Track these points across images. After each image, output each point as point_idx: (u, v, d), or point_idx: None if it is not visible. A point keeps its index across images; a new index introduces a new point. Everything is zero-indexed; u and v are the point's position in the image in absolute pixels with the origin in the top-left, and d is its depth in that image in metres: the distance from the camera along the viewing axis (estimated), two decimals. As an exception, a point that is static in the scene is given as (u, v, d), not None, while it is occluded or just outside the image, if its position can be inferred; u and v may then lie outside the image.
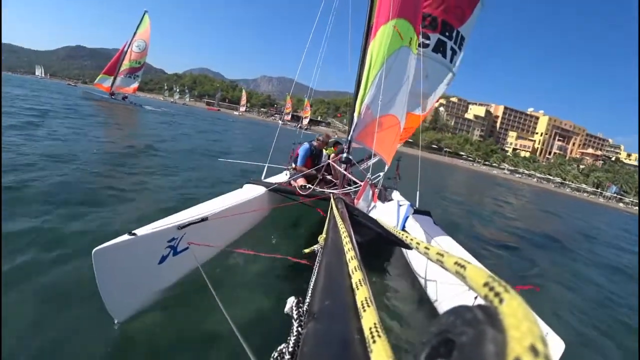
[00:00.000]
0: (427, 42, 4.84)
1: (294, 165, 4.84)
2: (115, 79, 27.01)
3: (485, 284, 0.38)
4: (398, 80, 4.13)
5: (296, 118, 74.96)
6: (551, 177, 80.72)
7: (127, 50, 27.03)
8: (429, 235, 3.25)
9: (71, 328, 1.95)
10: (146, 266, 2.03)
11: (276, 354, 0.77)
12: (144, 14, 27.95)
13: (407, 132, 5.76)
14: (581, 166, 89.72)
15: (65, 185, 4.32)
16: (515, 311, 0.29)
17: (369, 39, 4.10)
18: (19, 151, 5.56)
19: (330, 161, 4.93)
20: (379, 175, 4.18)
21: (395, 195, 4.93)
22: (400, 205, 3.68)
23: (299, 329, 0.78)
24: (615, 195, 70.36)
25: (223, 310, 1.67)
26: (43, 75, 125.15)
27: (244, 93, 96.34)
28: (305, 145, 4.86)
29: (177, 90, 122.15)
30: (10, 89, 22.55)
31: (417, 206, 4.16)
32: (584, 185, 75.92)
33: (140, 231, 1.96)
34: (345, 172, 4.41)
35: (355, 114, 4.21)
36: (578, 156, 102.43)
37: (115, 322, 1.90)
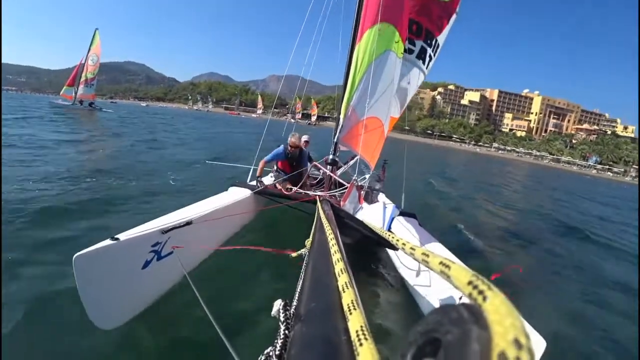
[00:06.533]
0: (413, 48, 4.86)
1: (275, 167, 4.75)
2: (77, 89, 30.97)
3: (469, 283, 0.39)
4: (383, 84, 4.21)
5: (306, 116, 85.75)
6: (532, 152, 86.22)
7: (84, 64, 30.82)
8: (414, 236, 3.28)
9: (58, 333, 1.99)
10: (129, 271, 2.01)
11: (263, 357, 0.77)
12: (95, 31, 31.15)
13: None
14: (573, 141, 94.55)
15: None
16: (498, 308, 0.30)
17: (355, 42, 4.14)
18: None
19: (316, 163, 4.87)
20: (365, 177, 4.17)
21: (381, 197, 4.84)
22: (386, 207, 3.58)
23: (286, 331, 0.79)
24: (592, 164, 78.45)
25: (209, 314, 1.66)
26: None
27: (259, 97, 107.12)
28: (280, 147, 4.62)
29: (199, 99, 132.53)
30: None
31: (402, 208, 4.16)
32: (562, 157, 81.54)
33: (123, 236, 1.94)
34: (331, 174, 4.42)
35: (342, 116, 4.26)
36: (573, 132, 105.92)
37: (94, 324, 1.82)
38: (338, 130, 4.39)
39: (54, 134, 11.38)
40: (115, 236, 1.89)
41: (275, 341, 0.78)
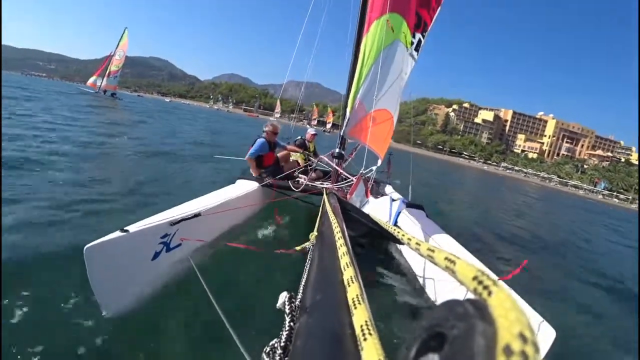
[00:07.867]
0: (413, 41, 4.72)
1: (247, 157, 4.45)
2: (103, 79, 35.33)
3: (474, 278, 0.39)
4: (391, 74, 4.14)
5: (322, 123, 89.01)
6: (540, 173, 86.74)
7: (112, 58, 35.20)
8: (421, 229, 3.21)
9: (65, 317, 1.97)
10: (139, 263, 2.05)
11: (268, 349, 0.77)
12: (124, 30, 35.45)
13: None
14: (585, 166, 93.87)
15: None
16: (503, 302, 0.30)
17: (361, 34, 4.10)
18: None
19: (322, 157, 4.85)
20: (372, 170, 4.05)
21: (388, 189, 4.79)
22: (393, 200, 3.58)
23: (291, 324, 0.80)
24: (599, 190, 79.05)
25: (216, 305, 1.68)
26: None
27: (278, 102, 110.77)
28: (261, 139, 4.48)
29: (221, 99, 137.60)
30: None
31: (409, 200, 4.14)
32: (570, 181, 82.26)
33: (133, 227, 1.96)
34: (337, 167, 4.40)
35: (348, 110, 4.21)
36: (586, 157, 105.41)
37: (104, 313, 1.86)
38: (345, 124, 4.35)
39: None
40: (125, 228, 1.92)
41: (281, 333, 0.79)
